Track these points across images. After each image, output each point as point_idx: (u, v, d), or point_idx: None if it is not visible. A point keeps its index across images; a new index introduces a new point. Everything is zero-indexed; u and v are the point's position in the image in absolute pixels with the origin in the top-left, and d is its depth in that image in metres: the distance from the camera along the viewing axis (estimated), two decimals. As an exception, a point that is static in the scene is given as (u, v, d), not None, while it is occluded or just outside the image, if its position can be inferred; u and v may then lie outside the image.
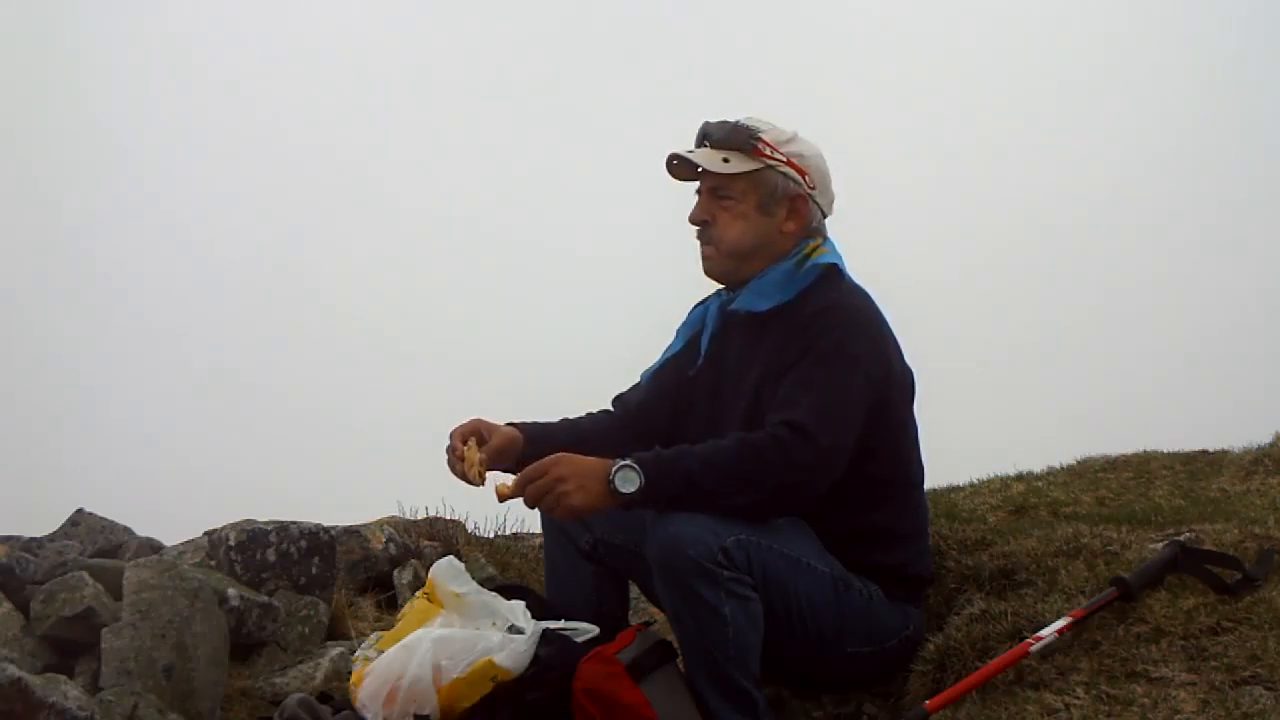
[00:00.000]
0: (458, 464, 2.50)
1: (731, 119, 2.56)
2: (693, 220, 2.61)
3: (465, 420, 2.58)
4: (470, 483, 2.48)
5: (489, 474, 2.49)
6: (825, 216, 2.63)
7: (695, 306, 2.81)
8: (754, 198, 2.54)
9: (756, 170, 2.53)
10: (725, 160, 2.52)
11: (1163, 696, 1.97)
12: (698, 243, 2.62)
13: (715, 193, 2.57)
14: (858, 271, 2.61)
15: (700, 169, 2.58)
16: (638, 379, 2.88)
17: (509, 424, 2.62)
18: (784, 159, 2.54)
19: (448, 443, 2.56)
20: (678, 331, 2.82)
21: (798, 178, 2.55)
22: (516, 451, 2.57)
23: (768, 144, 2.53)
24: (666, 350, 2.84)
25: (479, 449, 2.49)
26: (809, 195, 2.57)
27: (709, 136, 2.57)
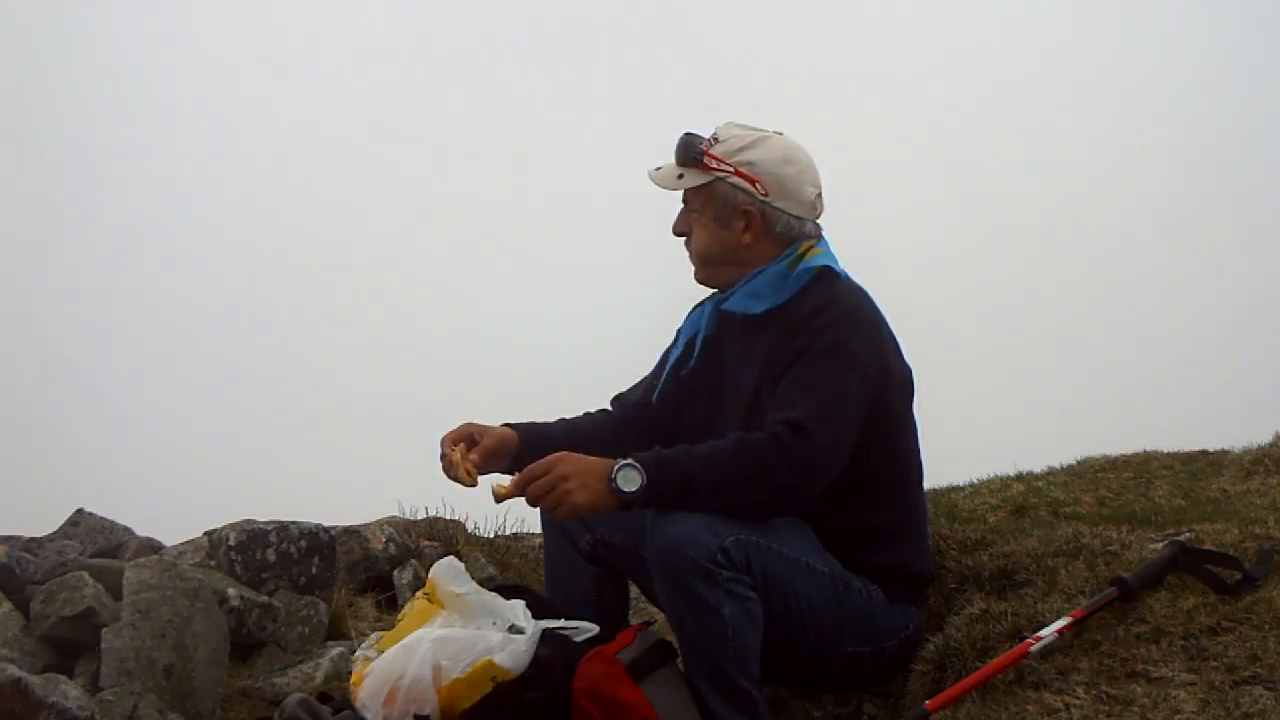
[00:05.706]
0: (450, 468, 2.50)
1: (695, 130, 2.55)
2: (675, 232, 2.65)
3: (456, 425, 2.58)
4: (463, 484, 2.49)
5: (483, 476, 2.50)
6: (807, 220, 2.55)
7: (693, 309, 2.80)
8: (711, 210, 2.56)
9: (708, 184, 2.53)
10: (680, 176, 2.55)
11: (1163, 696, 1.97)
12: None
13: (687, 205, 2.61)
14: (856, 271, 2.60)
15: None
16: (637, 379, 2.88)
17: (504, 424, 2.62)
18: (731, 169, 2.50)
19: (439, 450, 2.55)
20: (677, 333, 2.82)
21: (747, 187, 2.50)
22: (510, 452, 2.56)
23: (714, 156, 2.51)
24: (665, 352, 2.84)
25: (468, 451, 2.50)
26: (763, 204, 2.51)
27: (676, 150, 2.58)
